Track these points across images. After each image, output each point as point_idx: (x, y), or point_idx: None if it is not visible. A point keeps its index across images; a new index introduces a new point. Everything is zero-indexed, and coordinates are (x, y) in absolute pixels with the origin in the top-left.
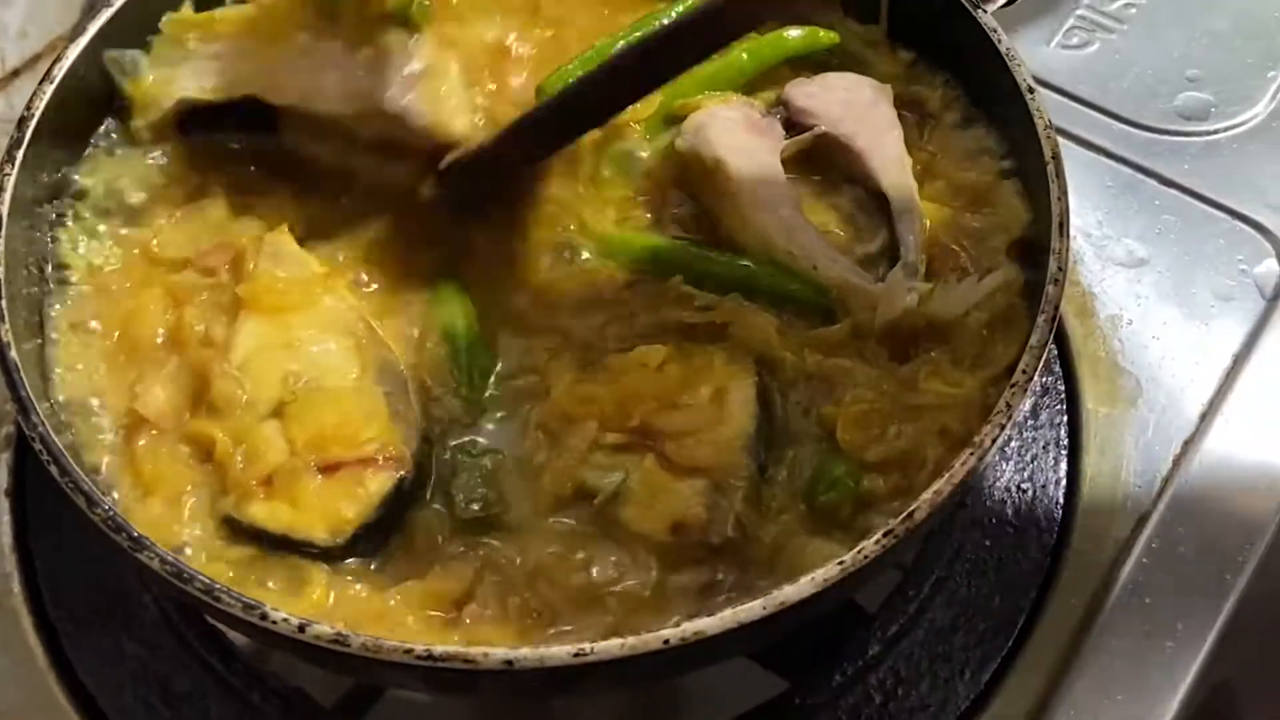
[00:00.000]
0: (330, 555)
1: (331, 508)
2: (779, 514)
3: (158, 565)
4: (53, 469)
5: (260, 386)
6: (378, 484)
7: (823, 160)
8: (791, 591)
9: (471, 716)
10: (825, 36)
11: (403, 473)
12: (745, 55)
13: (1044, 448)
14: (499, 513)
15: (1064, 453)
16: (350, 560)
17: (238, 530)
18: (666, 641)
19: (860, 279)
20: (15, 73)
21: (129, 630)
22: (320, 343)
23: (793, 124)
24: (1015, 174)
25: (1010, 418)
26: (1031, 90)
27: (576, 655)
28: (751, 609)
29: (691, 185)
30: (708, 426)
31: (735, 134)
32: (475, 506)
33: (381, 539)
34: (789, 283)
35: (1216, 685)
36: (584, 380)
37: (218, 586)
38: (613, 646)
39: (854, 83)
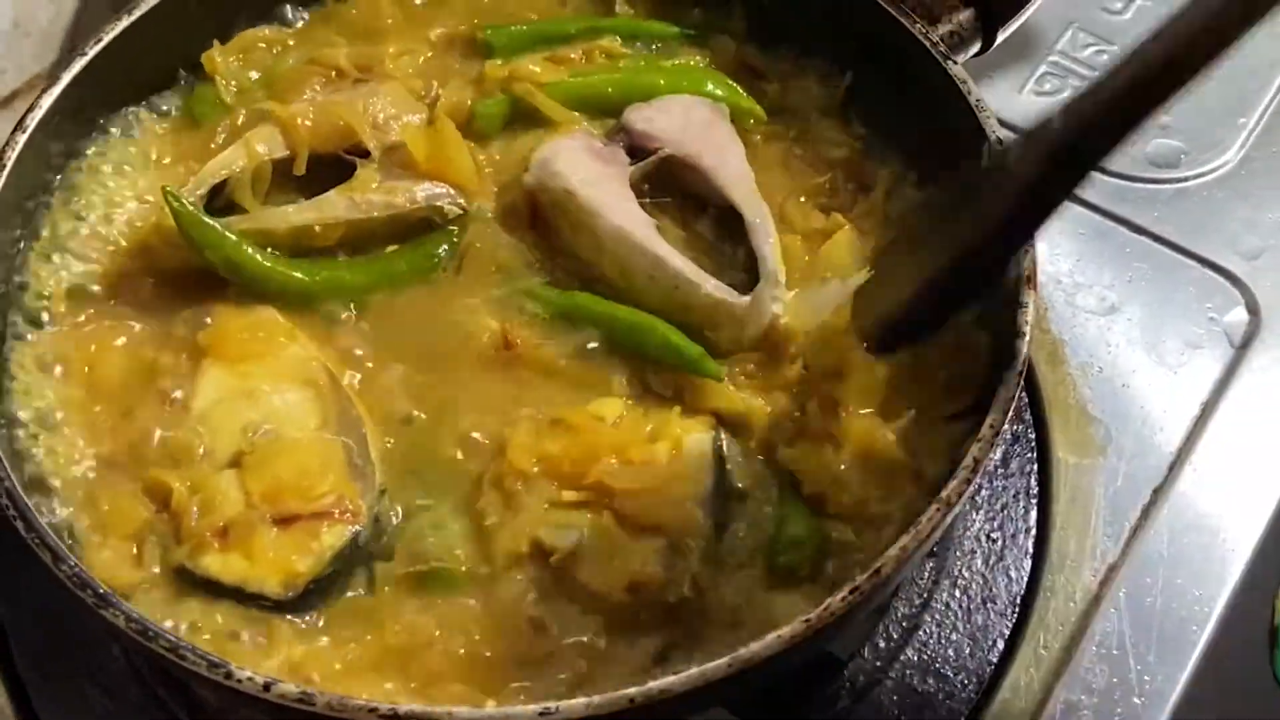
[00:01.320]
0: (283, 608)
1: (285, 560)
2: (739, 569)
3: (123, 623)
4: (18, 524)
5: (219, 436)
6: (332, 537)
7: (672, 183)
8: (758, 648)
9: None
10: (747, 103)
11: (357, 526)
12: (663, 81)
13: (1014, 496)
14: (454, 568)
15: (1034, 501)
16: (303, 614)
17: (191, 581)
18: (632, 700)
19: (725, 294)
20: None
21: (96, 681)
22: (281, 392)
23: (635, 149)
24: None
25: (977, 472)
26: (1000, 143)
27: (542, 714)
28: (718, 666)
29: (546, 221)
30: (664, 484)
31: (581, 163)
32: (432, 562)
33: (335, 592)
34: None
35: None
36: (540, 436)
37: (183, 645)
38: (578, 705)
39: (690, 103)
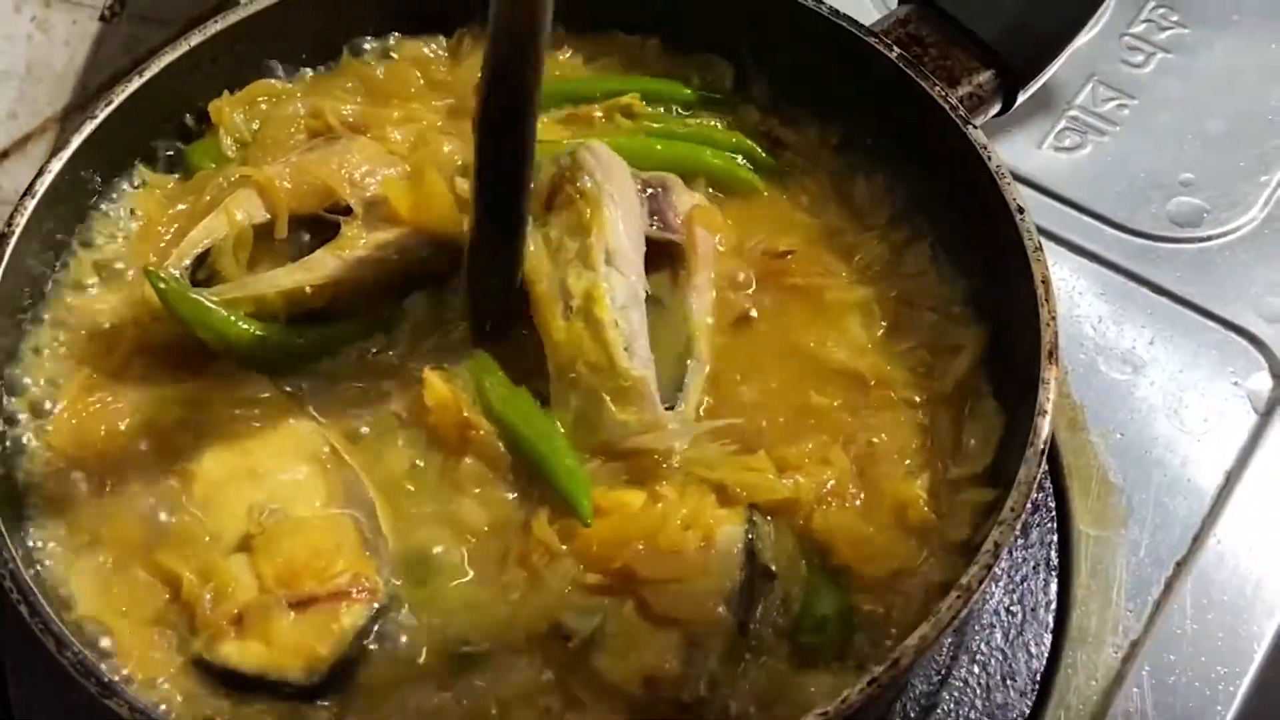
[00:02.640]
0: (304, 694)
1: (305, 644)
2: (761, 658)
3: (127, 713)
4: (22, 608)
5: (224, 519)
6: (352, 618)
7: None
8: None
9: None
10: (747, 175)
11: (377, 604)
12: (660, 148)
13: (1034, 568)
14: (473, 651)
15: (1054, 574)
16: (328, 698)
17: (209, 672)
18: None
19: (654, 398)
20: (5, 154)
21: None
22: (285, 470)
23: (655, 214)
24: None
25: (998, 558)
26: (1021, 210)
27: None
28: None
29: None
30: (691, 576)
31: (628, 184)
32: (453, 642)
33: (357, 672)
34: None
35: None
36: (569, 515)
37: None
38: None
39: (719, 222)
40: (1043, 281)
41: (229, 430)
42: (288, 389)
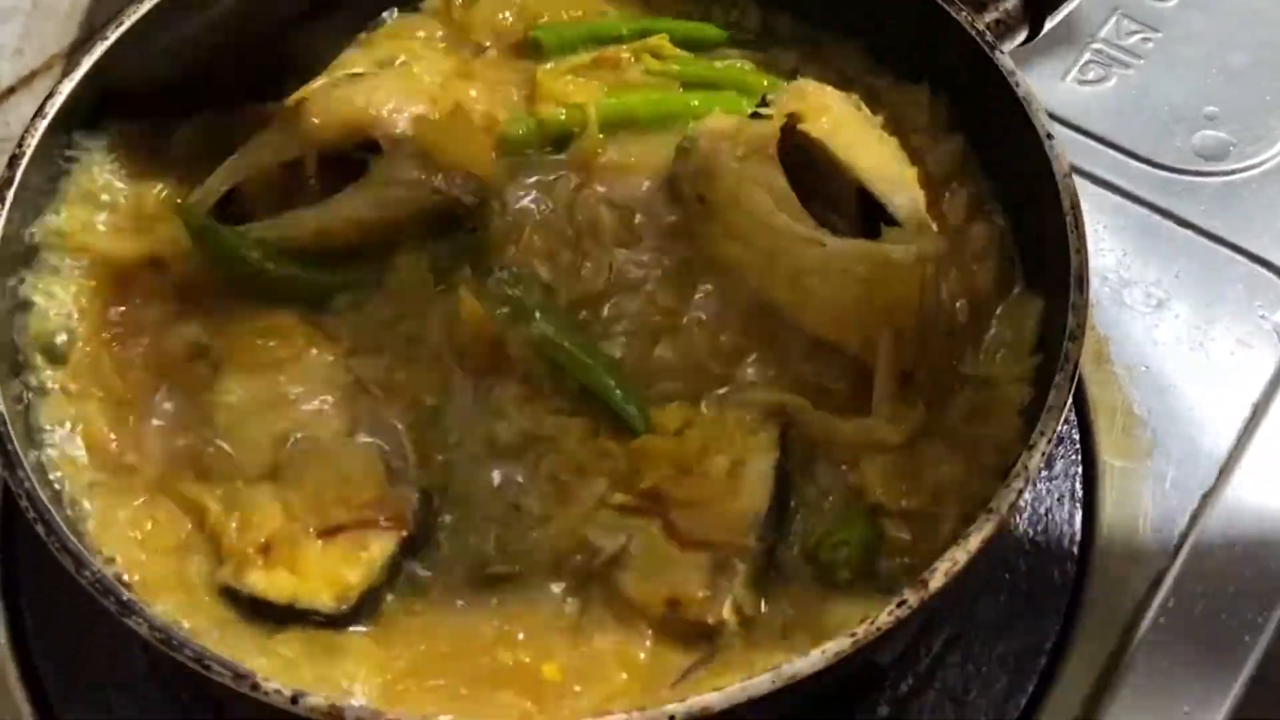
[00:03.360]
0: (336, 623)
1: (334, 573)
2: (787, 586)
3: (146, 631)
4: (39, 528)
5: (249, 448)
6: (380, 547)
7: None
8: (802, 665)
9: None
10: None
11: (404, 533)
12: (696, 103)
13: (1058, 500)
14: (501, 572)
15: (1078, 506)
16: (359, 624)
17: (238, 601)
18: (672, 717)
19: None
20: (11, 90)
21: (118, 685)
22: (310, 399)
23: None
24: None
25: (1029, 482)
26: (1050, 136)
27: None
28: (760, 683)
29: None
30: (719, 499)
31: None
32: (482, 563)
33: (387, 599)
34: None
35: None
36: (600, 435)
37: (208, 655)
38: None
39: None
40: (1072, 207)
41: (251, 360)
42: (312, 320)
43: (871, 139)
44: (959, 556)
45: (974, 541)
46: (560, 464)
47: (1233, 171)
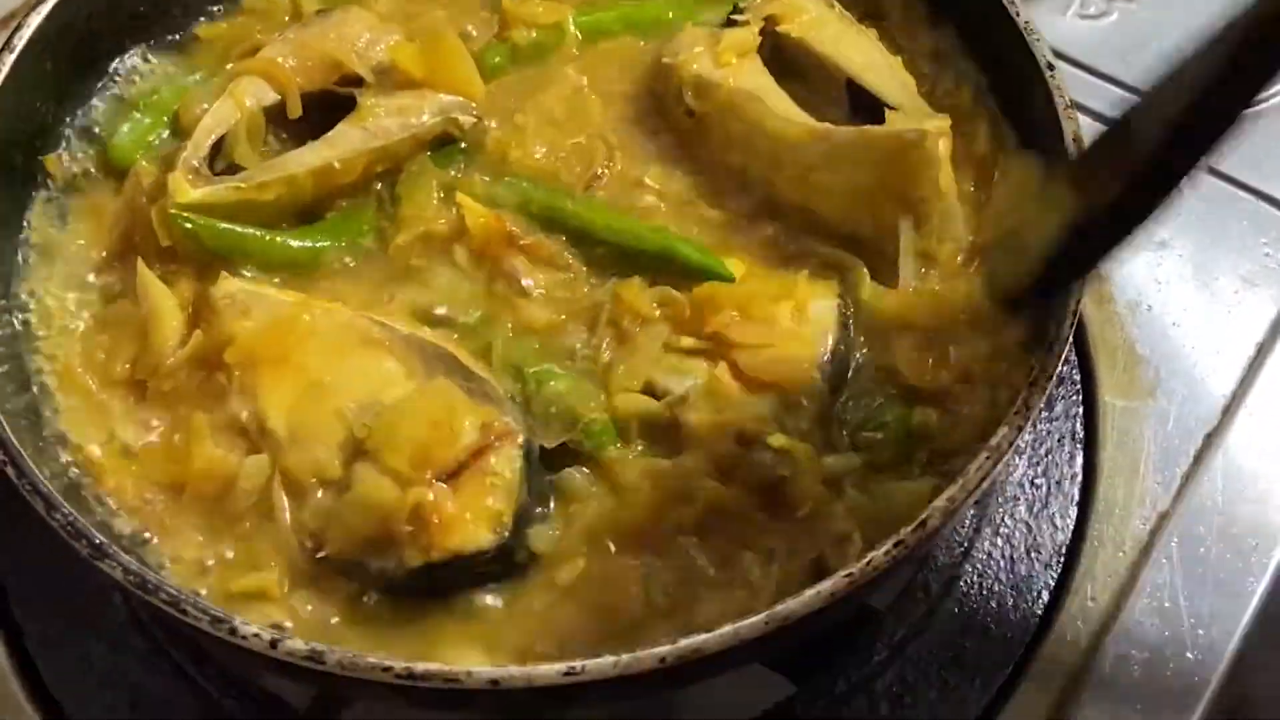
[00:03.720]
0: (506, 556)
1: (479, 508)
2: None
3: (120, 575)
4: (9, 470)
5: (320, 441)
6: (507, 463)
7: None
8: (795, 605)
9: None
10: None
11: (521, 437)
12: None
13: (1059, 441)
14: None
15: (1079, 446)
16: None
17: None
18: (663, 659)
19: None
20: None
21: (97, 632)
22: (349, 367)
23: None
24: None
25: (1028, 419)
26: (1051, 68)
27: (566, 674)
28: (753, 624)
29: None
30: (783, 341)
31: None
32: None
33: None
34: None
35: (1240, 692)
36: (660, 283)
37: (184, 598)
38: (605, 665)
39: None
40: (1074, 139)
41: (266, 357)
42: (309, 288)
43: (852, 32)
44: (956, 494)
45: (973, 479)
46: (620, 313)
47: None
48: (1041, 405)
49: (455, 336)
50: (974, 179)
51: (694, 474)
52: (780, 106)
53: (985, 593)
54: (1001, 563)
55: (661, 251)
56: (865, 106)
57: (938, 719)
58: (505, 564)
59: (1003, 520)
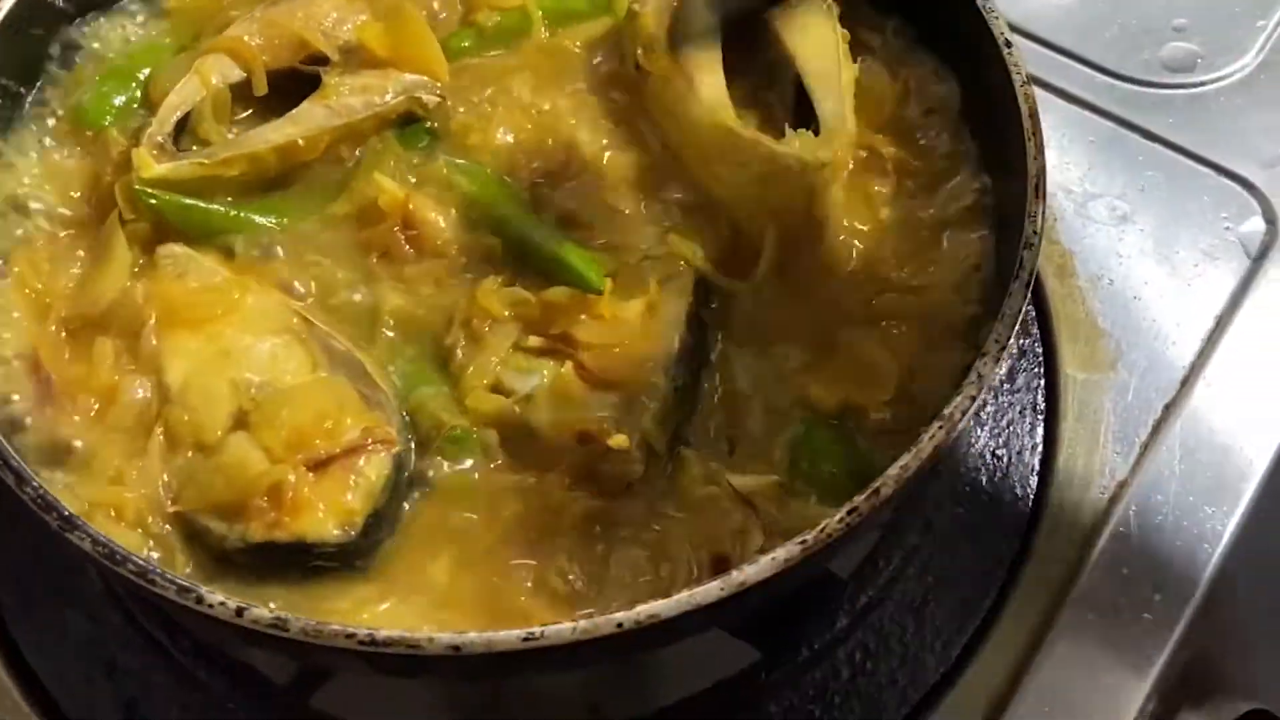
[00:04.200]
0: (346, 555)
1: (334, 502)
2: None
3: (89, 546)
4: None
5: (210, 404)
6: (376, 468)
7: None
8: (751, 572)
9: (428, 689)
10: None
11: (396, 448)
12: None
13: (1020, 412)
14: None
15: (1040, 418)
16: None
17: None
18: (620, 625)
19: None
20: None
21: (74, 605)
22: (259, 345)
23: None
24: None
25: (981, 389)
26: (1009, 44)
27: (526, 640)
28: (708, 590)
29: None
30: (629, 342)
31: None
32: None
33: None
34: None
35: (1194, 656)
36: (513, 284)
37: (152, 569)
38: (564, 630)
39: None
40: (1030, 115)
41: (187, 318)
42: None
43: (824, 30)
44: (909, 463)
45: (926, 448)
46: (474, 312)
47: (1200, 84)
48: (997, 375)
49: (334, 302)
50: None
51: (555, 487)
52: (705, 89)
53: (946, 562)
54: (962, 532)
55: (552, 256)
56: (807, 105)
57: (898, 683)
58: (344, 562)
59: (963, 491)
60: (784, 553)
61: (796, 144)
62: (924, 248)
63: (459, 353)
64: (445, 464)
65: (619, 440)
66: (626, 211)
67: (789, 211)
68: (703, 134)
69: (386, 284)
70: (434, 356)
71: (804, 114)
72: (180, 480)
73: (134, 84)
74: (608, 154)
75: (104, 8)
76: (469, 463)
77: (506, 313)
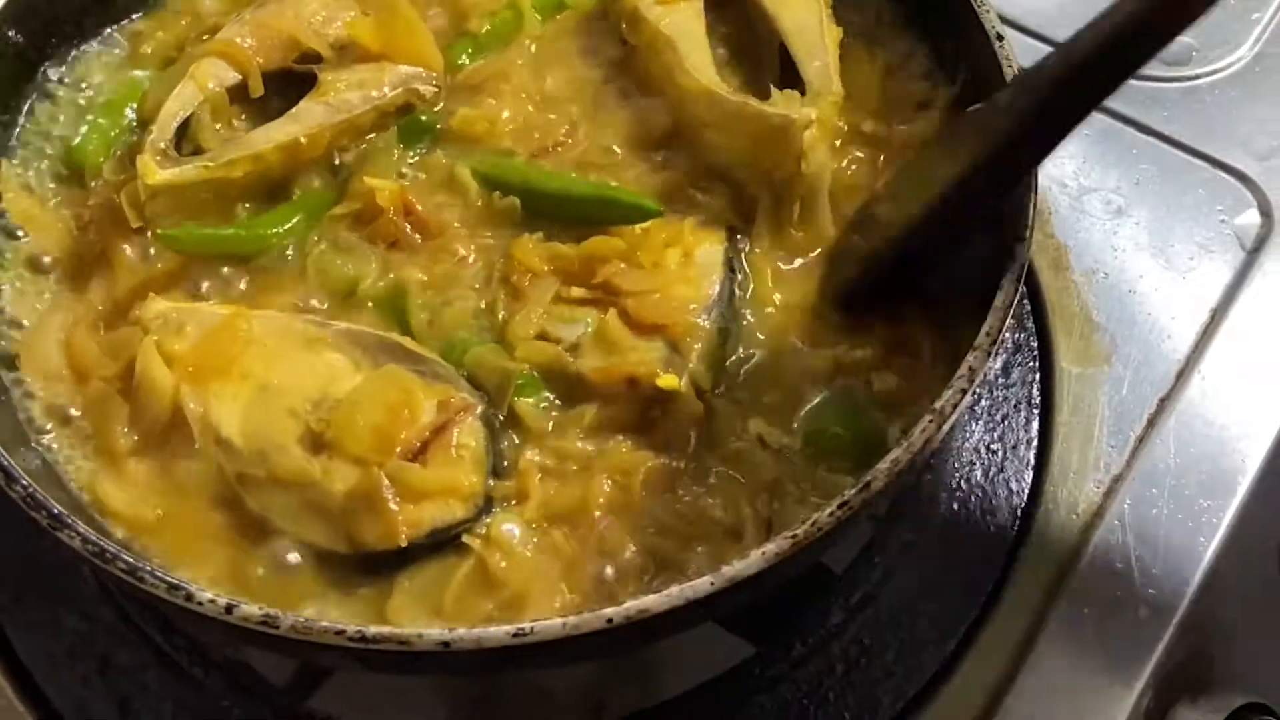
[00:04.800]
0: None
1: (449, 482)
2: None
3: (79, 545)
4: None
5: (276, 442)
6: (471, 434)
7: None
8: (741, 567)
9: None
10: None
11: (480, 408)
12: None
13: (1015, 407)
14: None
15: (1035, 412)
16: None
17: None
18: (610, 620)
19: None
20: None
21: (67, 603)
22: (295, 367)
23: None
24: None
25: (973, 382)
26: (1000, 38)
27: (515, 635)
28: (699, 585)
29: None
30: (669, 286)
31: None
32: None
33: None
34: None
35: (1190, 649)
36: (550, 238)
37: (142, 567)
38: (554, 627)
39: None
40: None
41: (211, 368)
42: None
43: None
44: (901, 456)
45: (917, 441)
46: (512, 269)
47: (1195, 77)
48: (989, 369)
49: (370, 305)
50: None
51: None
52: (692, 59)
53: (942, 556)
54: (958, 526)
55: (597, 196)
56: (793, 67)
57: (894, 675)
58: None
59: (959, 485)
60: (774, 547)
61: (781, 103)
62: None
63: (500, 309)
64: (526, 403)
65: (668, 380)
66: (632, 176)
67: (781, 171)
68: (693, 101)
69: (405, 268)
70: (472, 319)
71: (789, 81)
72: (284, 520)
73: (122, 117)
74: (608, 128)
75: (69, 46)
76: (548, 399)
77: (546, 267)
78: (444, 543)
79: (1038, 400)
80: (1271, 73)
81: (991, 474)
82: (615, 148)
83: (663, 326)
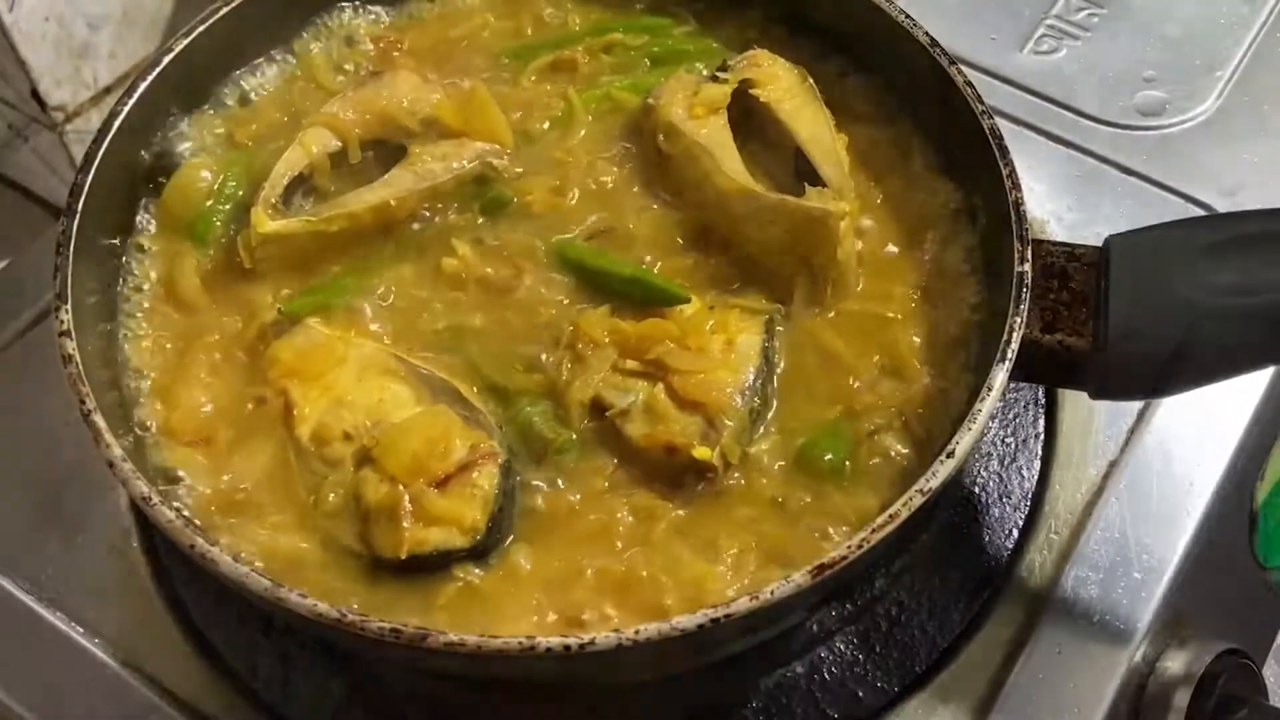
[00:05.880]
0: (476, 555)
1: (457, 514)
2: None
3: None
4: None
5: (335, 445)
6: (487, 479)
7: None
8: (738, 607)
9: None
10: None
11: (502, 458)
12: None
13: (1024, 407)
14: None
15: (1042, 410)
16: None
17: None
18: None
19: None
20: (107, 90)
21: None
22: (369, 391)
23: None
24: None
25: (983, 424)
26: (970, 85)
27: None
28: (690, 620)
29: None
30: (712, 369)
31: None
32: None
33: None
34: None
35: (1179, 606)
36: (613, 316)
37: (282, 588)
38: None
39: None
40: (996, 142)
41: (303, 372)
42: (337, 322)
43: (813, 107)
44: (901, 514)
45: (915, 502)
46: (577, 337)
47: (1169, 125)
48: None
49: (447, 351)
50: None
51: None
52: (727, 163)
53: (963, 532)
54: (978, 507)
55: (635, 279)
56: (807, 172)
57: (927, 632)
58: (475, 559)
59: (979, 473)
60: (779, 587)
61: (815, 199)
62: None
63: (564, 371)
64: (564, 463)
65: (703, 452)
66: (673, 265)
67: (819, 256)
68: (732, 201)
69: (474, 321)
70: (527, 375)
71: (800, 179)
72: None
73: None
74: (654, 220)
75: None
76: (582, 462)
77: (606, 339)
78: (439, 566)
79: (1043, 401)
80: (1233, 120)
81: (1006, 463)
82: (662, 238)
83: (702, 404)
